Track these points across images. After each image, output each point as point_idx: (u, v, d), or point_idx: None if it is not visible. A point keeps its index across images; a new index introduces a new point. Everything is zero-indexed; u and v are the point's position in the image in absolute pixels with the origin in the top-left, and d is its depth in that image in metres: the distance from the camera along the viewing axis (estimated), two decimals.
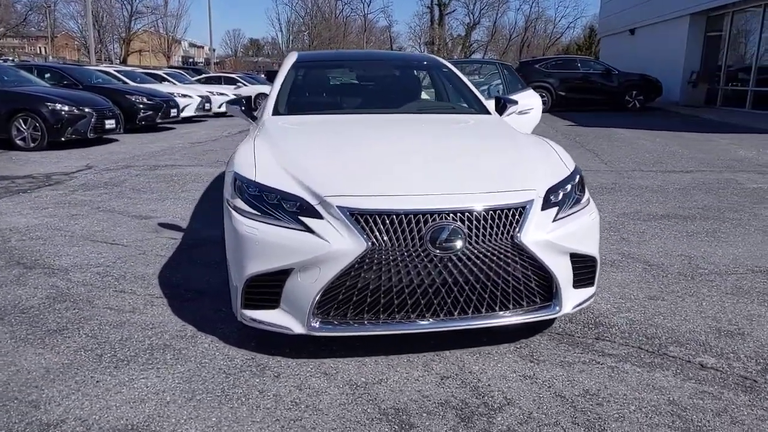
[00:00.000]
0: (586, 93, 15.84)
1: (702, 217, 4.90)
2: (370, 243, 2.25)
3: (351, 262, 2.26)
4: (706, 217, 4.91)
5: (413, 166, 2.63)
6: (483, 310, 2.41)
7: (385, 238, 2.27)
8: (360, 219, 2.29)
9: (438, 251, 2.28)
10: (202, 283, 3.37)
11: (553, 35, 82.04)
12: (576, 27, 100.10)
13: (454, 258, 2.30)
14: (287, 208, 2.41)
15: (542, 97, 12.01)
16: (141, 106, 11.64)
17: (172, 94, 13.42)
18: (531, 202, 2.43)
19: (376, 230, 2.28)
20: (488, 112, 3.79)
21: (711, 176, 6.69)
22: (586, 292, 2.67)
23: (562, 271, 2.49)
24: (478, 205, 2.34)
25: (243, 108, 3.78)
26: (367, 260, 2.27)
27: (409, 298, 2.34)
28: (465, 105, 3.92)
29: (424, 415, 2.08)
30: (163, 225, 4.70)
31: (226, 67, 49.90)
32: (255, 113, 3.86)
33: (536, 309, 2.49)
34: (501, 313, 2.43)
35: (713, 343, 2.66)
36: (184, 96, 14.10)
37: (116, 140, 10.53)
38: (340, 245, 2.26)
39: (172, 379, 2.30)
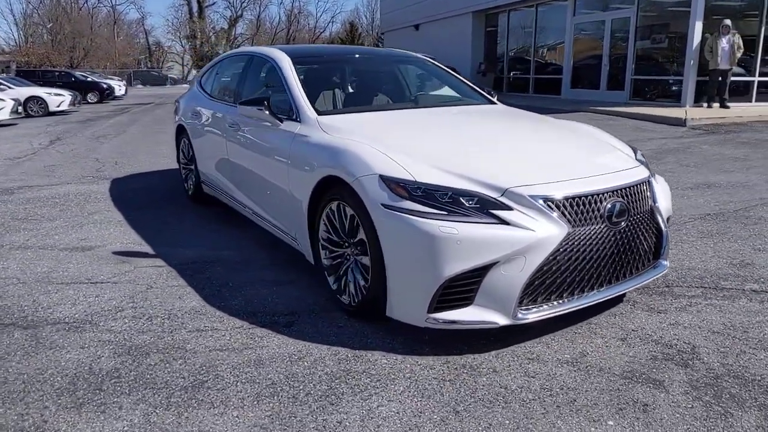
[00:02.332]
0: None
1: None
2: (568, 226, 2.39)
3: (555, 247, 2.37)
4: None
5: (551, 153, 2.81)
6: (628, 275, 2.73)
7: (576, 219, 2.43)
8: (552, 205, 2.40)
9: (612, 226, 2.52)
10: (280, 305, 3.05)
11: (316, 30, 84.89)
12: (336, 22, 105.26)
13: (621, 231, 2.57)
14: (467, 204, 2.39)
15: None
16: None
17: None
18: (649, 174, 2.82)
19: (567, 214, 2.42)
20: (494, 102, 4.08)
21: None
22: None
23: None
24: (631, 181, 2.64)
25: (267, 110, 3.43)
26: (564, 243, 2.40)
27: (587, 273, 2.53)
28: (468, 96, 4.12)
29: (654, 370, 2.33)
30: (121, 253, 3.97)
31: None
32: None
33: (654, 268, 2.89)
34: (639, 274, 2.78)
35: (747, 274, 3.38)
36: None
37: None
38: (544, 232, 2.35)
39: (436, 403, 2.15)
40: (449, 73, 4.31)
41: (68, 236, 4.39)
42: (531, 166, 2.62)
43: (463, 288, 2.38)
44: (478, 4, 18.50)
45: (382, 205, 2.47)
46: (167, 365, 2.43)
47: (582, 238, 2.44)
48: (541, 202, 2.40)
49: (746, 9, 11.89)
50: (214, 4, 70.47)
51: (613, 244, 2.55)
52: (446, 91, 4.16)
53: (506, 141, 3.01)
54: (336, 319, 2.87)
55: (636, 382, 2.25)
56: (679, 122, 9.53)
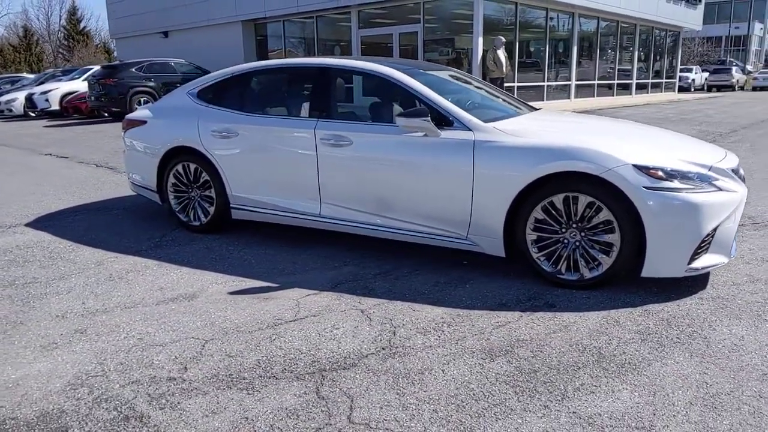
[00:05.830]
0: None
1: None
2: (745, 187, 3.44)
3: (744, 203, 3.39)
4: None
5: (683, 142, 3.82)
6: None
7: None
8: (735, 174, 3.41)
9: (743, 187, 3.66)
10: (506, 296, 3.36)
11: None
12: (0, 25, 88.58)
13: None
14: (695, 179, 3.23)
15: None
16: None
17: None
18: None
19: (740, 179, 3.46)
20: (536, 109, 4.89)
21: None
22: None
23: None
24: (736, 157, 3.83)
25: (428, 120, 3.60)
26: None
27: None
28: (519, 105, 4.84)
29: None
30: (242, 293, 3.58)
31: None
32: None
33: None
34: None
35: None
36: None
37: None
38: (740, 193, 3.34)
39: (751, 321, 2.91)
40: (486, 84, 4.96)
41: (131, 291, 3.63)
42: (691, 150, 3.58)
43: (705, 242, 3.21)
44: (247, 14, 18.54)
45: (645, 187, 3.12)
46: (546, 353, 2.66)
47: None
48: (731, 172, 3.38)
49: (506, 28, 14.99)
50: None
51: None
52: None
53: (645, 133, 3.93)
54: (573, 293, 3.36)
55: None
56: None
